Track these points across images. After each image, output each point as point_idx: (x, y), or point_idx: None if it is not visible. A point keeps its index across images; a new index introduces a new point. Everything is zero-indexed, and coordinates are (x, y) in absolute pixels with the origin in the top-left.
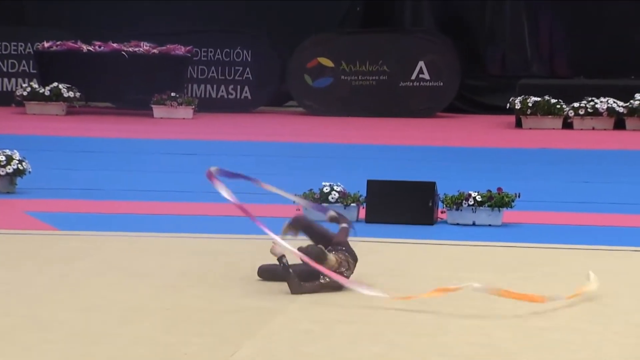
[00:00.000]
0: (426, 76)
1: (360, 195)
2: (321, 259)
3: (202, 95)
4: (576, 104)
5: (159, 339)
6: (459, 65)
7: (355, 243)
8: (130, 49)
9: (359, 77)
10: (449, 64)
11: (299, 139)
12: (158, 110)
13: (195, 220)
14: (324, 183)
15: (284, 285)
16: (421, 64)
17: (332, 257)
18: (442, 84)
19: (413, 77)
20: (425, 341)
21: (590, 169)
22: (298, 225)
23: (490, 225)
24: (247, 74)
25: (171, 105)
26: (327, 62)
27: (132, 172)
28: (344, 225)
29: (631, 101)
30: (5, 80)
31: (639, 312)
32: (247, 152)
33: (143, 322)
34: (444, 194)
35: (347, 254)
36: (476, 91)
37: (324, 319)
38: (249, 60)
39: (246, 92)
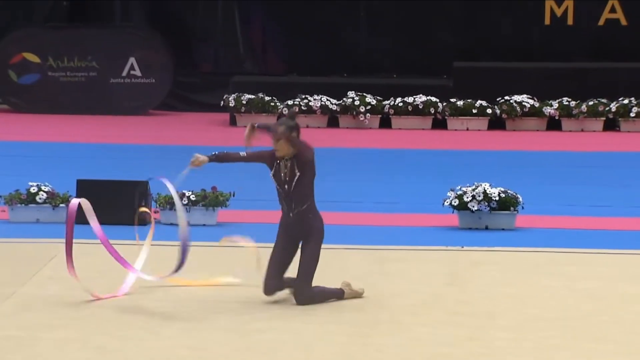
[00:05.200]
0: (137, 72)
1: (70, 196)
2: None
3: None
4: (290, 102)
5: None
6: (171, 61)
7: (62, 245)
8: None
9: (67, 73)
10: (160, 61)
11: (4, 137)
12: None
13: None
14: (30, 183)
15: None
16: (132, 60)
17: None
18: (154, 80)
19: (124, 73)
20: (135, 345)
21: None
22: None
23: (204, 224)
24: None
25: None
26: (33, 58)
27: None
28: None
29: (344, 99)
30: None
31: (351, 310)
32: None
33: None
34: (157, 193)
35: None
36: (189, 88)
37: (30, 325)
38: None
39: None
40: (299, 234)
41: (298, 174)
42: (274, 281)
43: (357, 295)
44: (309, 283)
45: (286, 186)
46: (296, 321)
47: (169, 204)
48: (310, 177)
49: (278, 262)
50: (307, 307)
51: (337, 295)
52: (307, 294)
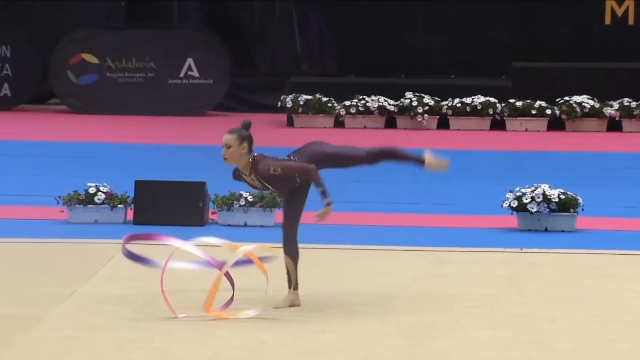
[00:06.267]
0: (195, 73)
1: (128, 196)
2: None
3: None
4: (347, 103)
5: None
6: (229, 62)
7: (120, 246)
8: None
9: (125, 74)
10: (218, 61)
11: (62, 138)
12: None
13: None
14: (89, 184)
15: (49, 291)
16: (190, 61)
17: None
18: (211, 81)
19: (182, 74)
20: (192, 346)
21: (361, 169)
22: None
23: (262, 225)
24: (7, 70)
25: None
26: (91, 59)
27: None
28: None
29: (401, 99)
30: None
31: (409, 312)
32: (6, 152)
33: None
34: (215, 194)
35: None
36: (246, 89)
37: (89, 325)
38: (8, 56)
39: (6, 90)
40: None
41: (271, 188)
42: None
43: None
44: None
45: (265, 191)
46: (353, 323)
47: (226, 204)
48: (287, 185)
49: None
50: (363, 309)
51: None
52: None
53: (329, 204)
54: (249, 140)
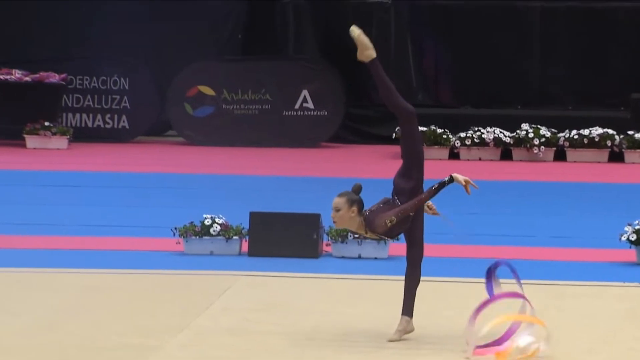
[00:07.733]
0: (310, 105)
1: (243, 228)
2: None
3: (78, 125)
4: (462, 134)
5: None
6: (344, 93)
7: (238, 277)
8: (1, 77)
9: (241, 106)
10: (333, 93)
11: (178, 169)
12: (31, 141)
13: (71, 254)
14: (205, 215)
15: (166, 322)
16: (305, 92)
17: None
18: (326, 113)
19: (297, 106)
20: None
21: (476, 200)
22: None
23: (376, 258)
24: (125, 102)
25: (45, 135)
26: (207, 91)
27: (4, 204)
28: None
29: (517, 131)
30: None
31: None
32: (123, 184)
33: None
34: (329, 226)
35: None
36: (361, 120)
37: (204, 357)
38: (127, 88)
39: (124, 122)
40: None
41: (393, 237)
42: None
43: None
44: None
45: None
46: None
47: (340, 236)
48: (405, 225)
49: None
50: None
51: None
52: None
53: (451, 179)
54: (359, 203)
